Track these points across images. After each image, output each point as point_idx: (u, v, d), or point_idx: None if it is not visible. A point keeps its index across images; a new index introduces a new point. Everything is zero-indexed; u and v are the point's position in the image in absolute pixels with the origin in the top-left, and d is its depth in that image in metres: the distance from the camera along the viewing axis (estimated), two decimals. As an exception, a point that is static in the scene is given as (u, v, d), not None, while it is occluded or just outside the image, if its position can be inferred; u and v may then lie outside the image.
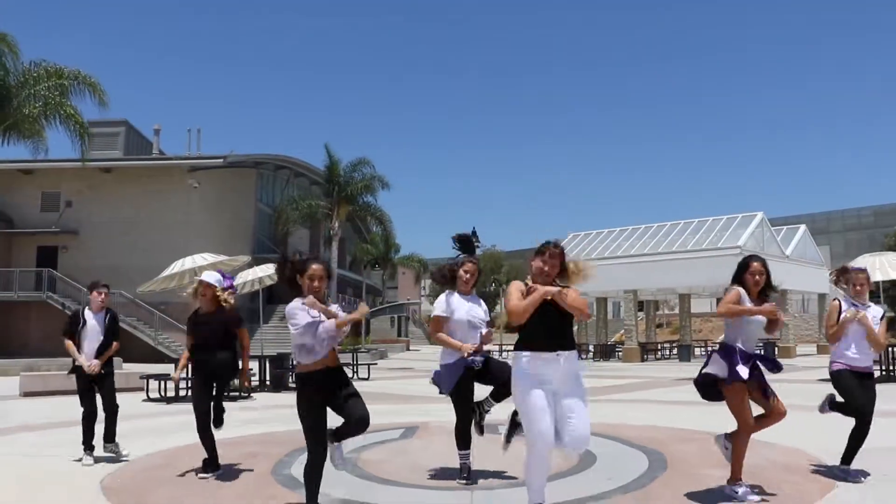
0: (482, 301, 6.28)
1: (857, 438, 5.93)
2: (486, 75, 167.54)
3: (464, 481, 5.84)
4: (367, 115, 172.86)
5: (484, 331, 6.01)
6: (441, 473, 6.24)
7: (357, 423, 4.69)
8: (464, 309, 5.99)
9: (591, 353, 32.07)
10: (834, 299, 6.27)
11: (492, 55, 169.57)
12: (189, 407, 6.58)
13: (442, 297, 6.15)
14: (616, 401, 13.16)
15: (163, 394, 13.91)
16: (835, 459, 6.13)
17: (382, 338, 49.03)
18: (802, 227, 34.02)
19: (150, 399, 13.80)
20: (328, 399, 4.69)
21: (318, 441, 4.63)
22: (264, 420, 10.47)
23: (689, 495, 5.38)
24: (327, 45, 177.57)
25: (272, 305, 35.78)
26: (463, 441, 5.93)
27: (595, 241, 33.99)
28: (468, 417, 5.89)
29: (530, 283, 4.61)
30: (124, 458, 7.15)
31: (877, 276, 16.34)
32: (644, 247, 31.18)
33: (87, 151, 27.41)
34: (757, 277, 5.28)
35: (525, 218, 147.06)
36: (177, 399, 13.52)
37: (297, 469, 6.48)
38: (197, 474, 6.31)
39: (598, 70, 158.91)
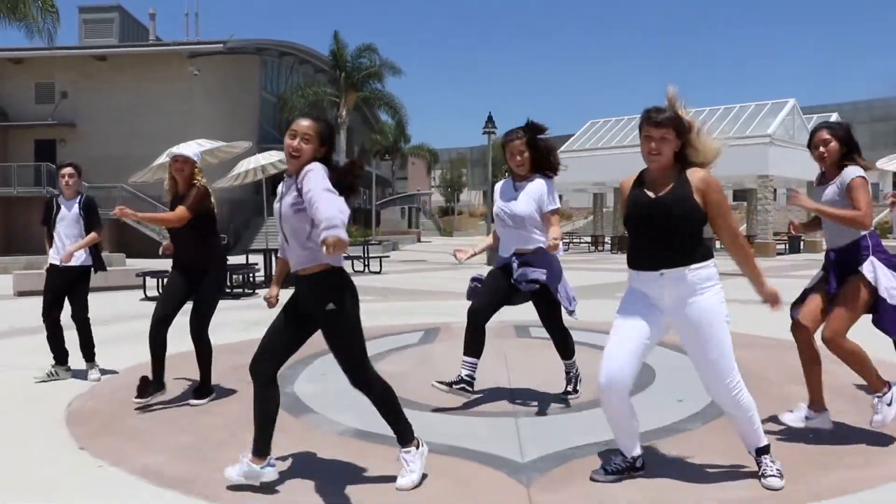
0: (546, 185, 4.72)
1: None
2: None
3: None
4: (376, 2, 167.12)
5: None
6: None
7: None
8: (501, 201, 4.82)
9: (609, 245, 31.20)
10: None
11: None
12: (188, 308, 5.36)
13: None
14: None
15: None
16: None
17: (393, 229, 48.27)
18: (835, 116, 32.45)
19: (147, 298, 12.92)
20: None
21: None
22: (269, 321, 9.52)
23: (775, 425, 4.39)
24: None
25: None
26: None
27: (614, 128, 32.52)
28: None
29: None
30: (95, 381, 5.95)
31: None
32: (667, 134, 29.70)
33: (46, 32, 25.18)
34: (819, 150, 4.15)
35: (544, 105, 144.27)
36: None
37: (301, 387, 5.56)
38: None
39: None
